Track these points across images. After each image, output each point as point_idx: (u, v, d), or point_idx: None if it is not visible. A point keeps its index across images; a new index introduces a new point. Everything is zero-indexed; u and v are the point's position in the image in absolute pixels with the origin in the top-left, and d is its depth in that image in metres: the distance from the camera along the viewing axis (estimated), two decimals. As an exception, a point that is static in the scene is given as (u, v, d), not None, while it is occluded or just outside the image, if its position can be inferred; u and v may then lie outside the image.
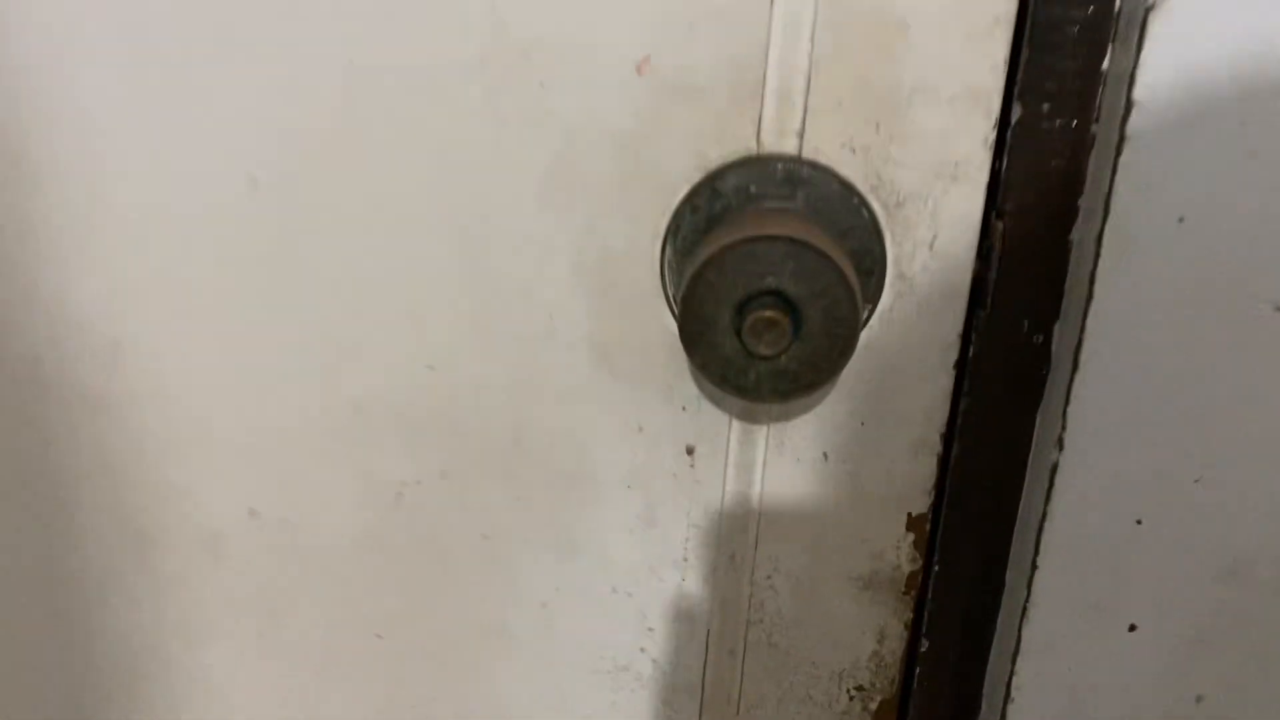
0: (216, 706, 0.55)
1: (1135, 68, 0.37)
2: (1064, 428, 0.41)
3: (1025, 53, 0.40)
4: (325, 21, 0.42)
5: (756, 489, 0.47)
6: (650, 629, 0.50)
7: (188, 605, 0.53)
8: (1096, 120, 0.40)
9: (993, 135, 0.41)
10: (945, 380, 0.44)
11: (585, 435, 0.47)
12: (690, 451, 0.47)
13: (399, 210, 0.45)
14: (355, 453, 0.49)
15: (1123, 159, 0.38)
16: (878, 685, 0.49)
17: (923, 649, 0.48)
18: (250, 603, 0.53)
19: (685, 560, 0.49)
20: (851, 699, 0.50)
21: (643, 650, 0.51)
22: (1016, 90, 0.41)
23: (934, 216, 0.42)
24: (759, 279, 0.37)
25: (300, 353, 0.48)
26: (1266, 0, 0.35)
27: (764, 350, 0.38)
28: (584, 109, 0.42)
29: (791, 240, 0.36)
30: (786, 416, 0.46)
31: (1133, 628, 0.45)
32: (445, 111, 0.43)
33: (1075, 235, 0.41)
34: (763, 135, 0.42)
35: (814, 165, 0.42)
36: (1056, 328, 0.43)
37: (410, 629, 0.52)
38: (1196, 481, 0.41)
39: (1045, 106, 0.40)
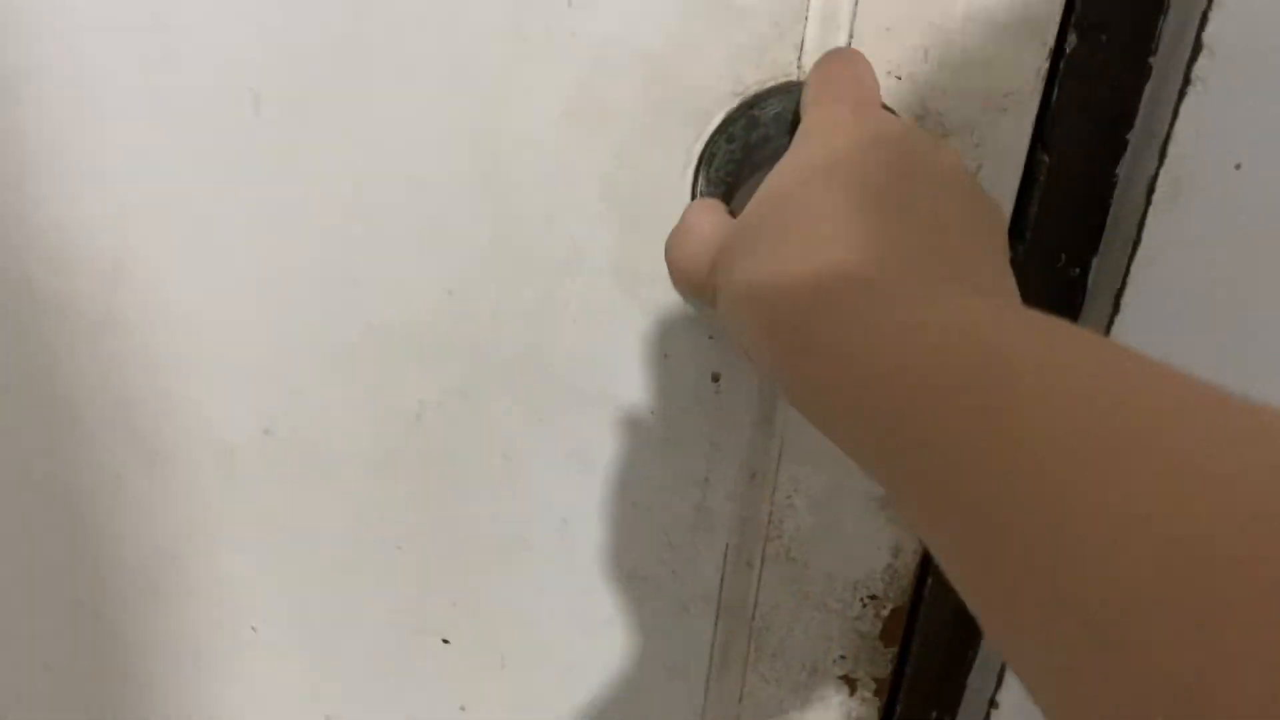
0: (237, 611, 0.56)
1: (1209, 8, 0.35)
2: (1098, 367, 0.41)
3: (1087, -22, 0.38)
4: (331, -72, 0.39)
5: (780, 415, 0.47)
6: (670, 543, 0.51)
7: (203, 517, 0.53)
8: (1154, 53, 0.38)
9: (1046, 65, 0.39)
10: (978, 312, 0.44)
11: (609, 360, 0.47)
12: (716, 379, 0.46)
13: (412, 131, 0.43)
14: (372, 373, 0.48)
15: (1185, 103, 0.36)
16: (890, 595, 0.51)
17: (935, 562, 0.50)
18: (266, 515, 0.53)
19: (706, 480, 0.49)
20: (864, 606, 0.51)
21: (662, 562, 0.51)
22: (1074, 18, 0.38)
23: (979, 148, 0.41)
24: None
25: (311, 273, 0.46)
26: (1355, -60, 0.33)
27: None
28: (614, 29, 0.40)
29: None
30: (814, 343, 0.45)
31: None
32: (463, 30, 0.40)
33: (1121, 170, 0.40)
34: (804, 60, 0.40)
35: (856, 94, 0.40)
36: (1095, 261, 0.42)
37: (430, 542, 0.52)
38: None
39: (1103, 37, 0.38)
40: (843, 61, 0.37)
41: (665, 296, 0.45)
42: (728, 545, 0.51)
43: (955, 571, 0.22)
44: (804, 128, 0.35)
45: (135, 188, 0.45)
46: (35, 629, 0.57)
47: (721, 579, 0.52)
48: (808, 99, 0.36)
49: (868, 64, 0.37)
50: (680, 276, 0.37)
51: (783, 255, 0.30)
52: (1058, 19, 0.39)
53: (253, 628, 0.56)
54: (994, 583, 0.21)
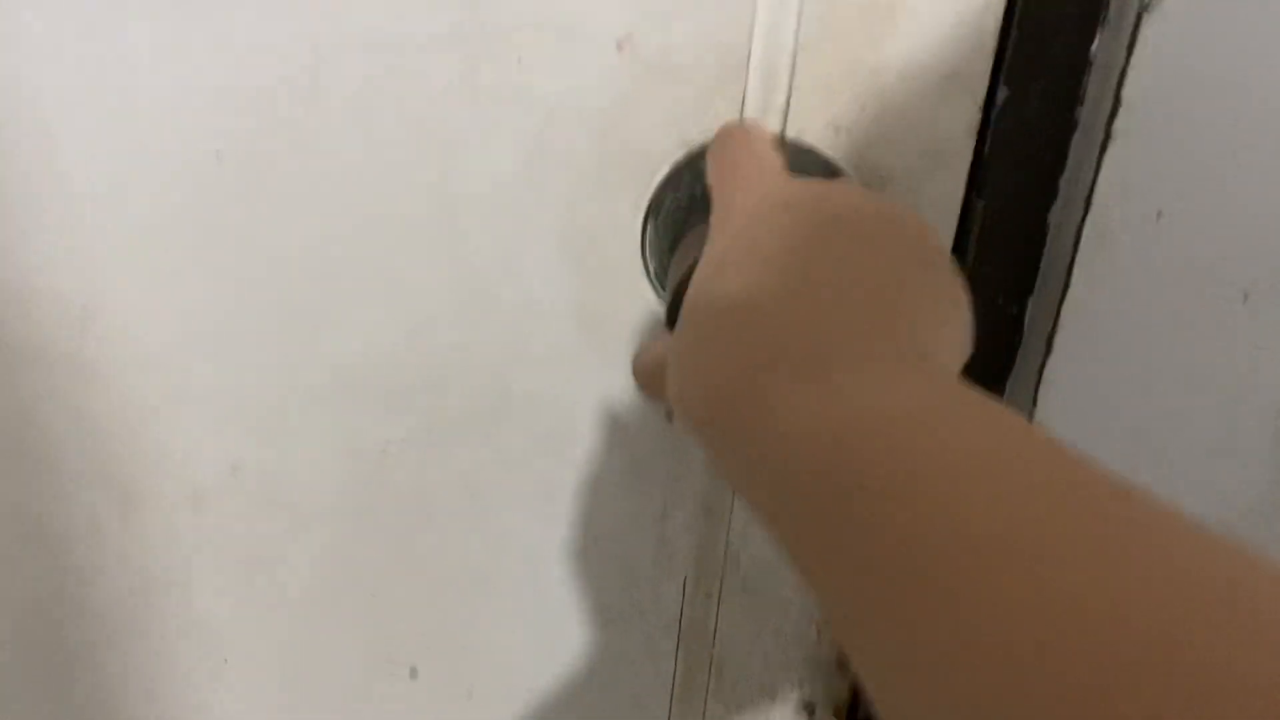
0: (211, 649, 0.57)
1: (1126, 66, 0.36)
2: (1034, 405, 0.43)
3: (1014, 36, 0.39)
4: (289, -9, 0.40)
5: (734, 450, 0.48)
6: (631, 576, 0.52)
7: (175, 554, 0.54)
8: (1081, 104, 0.40)
9: (978, 118, 0.41)
10: (920, 351, 0.45)
11: (569, 399, 0.48)
12: (670, 416, 0.48)
13: (372, 183, 0.44)
14: (337, 414, 0.49)
15: (1107, 156, 0.38)
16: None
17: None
18: (237, 553, 0.54)
19: (665, 514, 0.50)
20: (820, 634, 0.53)
21: (624, 594, 0.53)
22: (1003, 73, 0.40)
23: (916, 196, 0.42)
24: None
25: (276, 319, 0.47)
26: (1255, 5, 0.35)
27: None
28: (563, 87, 0.41)
29: None
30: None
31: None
32: (417, 87, 0.42)
33: (1053, 216, 0.42)
34: (746, 114, 0.42)
35: (797, 145, 0.42)
36: (1030, 301, 0.44)
37: (397, 576, 0.54)
38: (1155, 454, 0.43)
39: (1031, 90, 0.40)
40: (738, 137, 0.37)
41: (619, 337, 0.46)
42: (686, 577, 0.52)
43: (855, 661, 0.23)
44: (713, 216, 0.35)
45: (102, 236, 0.46)
46: (8, 669, 0.58)
47: (681, 610, 0.53)
48: (711, 178, 0.36)
49: (763, 133, 0.37)
50: (646, 394, 0.37)
51: (695, 361, 0.30)
52: (988, 73, 0.40)
53: (224, 659, 0.57)
54: (879, 684, 0.22)
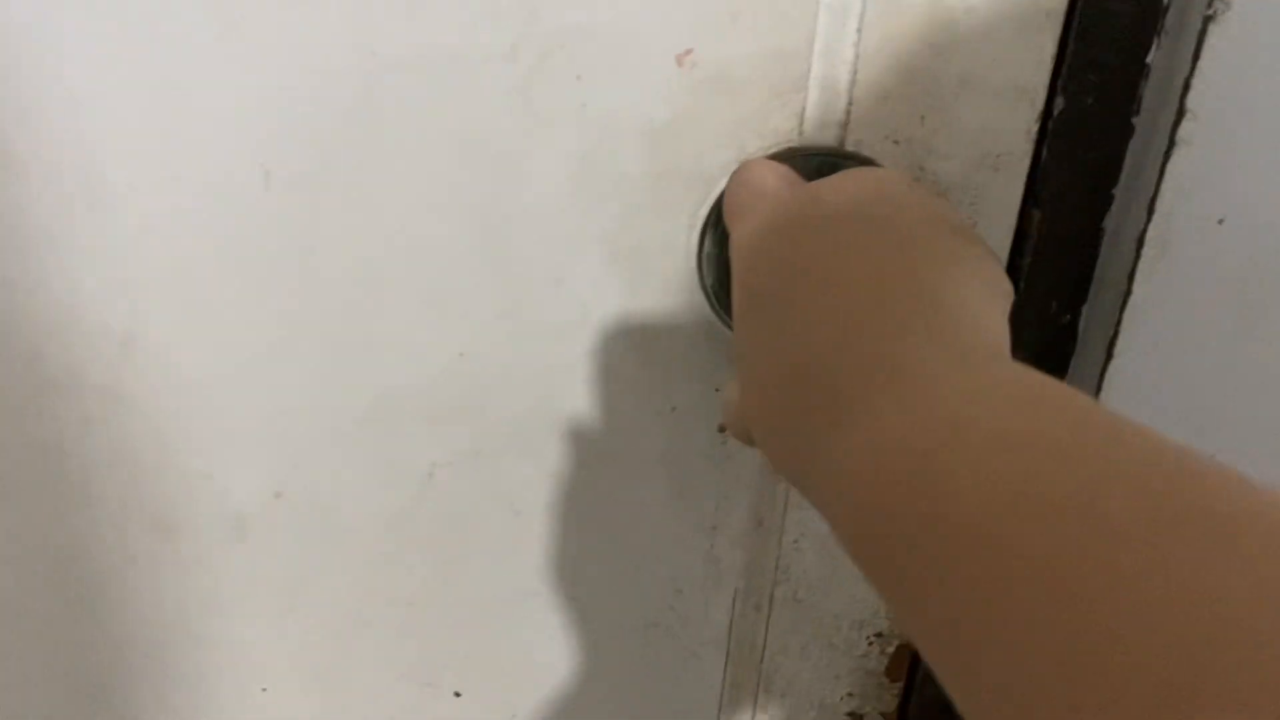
0: (249, 672, 0.56)
1: (1191, 75, 0.37)
2: (1094, 412, 0.43)
3: (1072, 46, 0.40)
4: (344, 8, 0.40)
5: (787, 462, 0.48)
6: (679, 590, 0.52)
7: (213, 582, 0.53)
8: (1137, 114, 0.40)
9: (1036, 127, 0.41)
10: (975, 360, 0.46)
11: (618, 416, 0.48)
12: (722, 430, 0.48)
13: (423, 202, 0.44)
14: (384, 437, 0.49)
15: (1171, 164, 0.38)
16: (895, 632, 0.52)
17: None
18: (278, 578, 0.53)
19: (714, 528, 0.50)
20: (870, 644, 0.53)
21: (672, 609, 0.52)
22: (1061, 83, 0.40)
23: (974, 206, 0.43)
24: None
25: (323, 342, 0.47)
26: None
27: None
28: (621, 102, 0.41)
29: None
30: (817, 393, 0.47)
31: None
32: (473, 103, 0.41)
33: (1108, 224, 0.42)
34: (805, 127, 0.41)
35: (856, 157, 0.42)
36: (1084, 309, 0.44)
37: (442, 597, 0.53)
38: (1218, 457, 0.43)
39: (1089, 99, 0.40)
40: (736, 173, 0.38)
41: (671, 353, 0.46)
42: (736, 590, 0.52)
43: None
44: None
45: (144, 260, 0.46)
46: (44, 701, 0.57)
47: (730, 623, 0.53)
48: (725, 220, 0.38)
49: (760, 161, 0.39)
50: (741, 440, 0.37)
51: (753, 421, 0.31)
52: (1046, 83, 0.40)
53: (264, 688, 0.57)
54: (960, 693, 0.22)
